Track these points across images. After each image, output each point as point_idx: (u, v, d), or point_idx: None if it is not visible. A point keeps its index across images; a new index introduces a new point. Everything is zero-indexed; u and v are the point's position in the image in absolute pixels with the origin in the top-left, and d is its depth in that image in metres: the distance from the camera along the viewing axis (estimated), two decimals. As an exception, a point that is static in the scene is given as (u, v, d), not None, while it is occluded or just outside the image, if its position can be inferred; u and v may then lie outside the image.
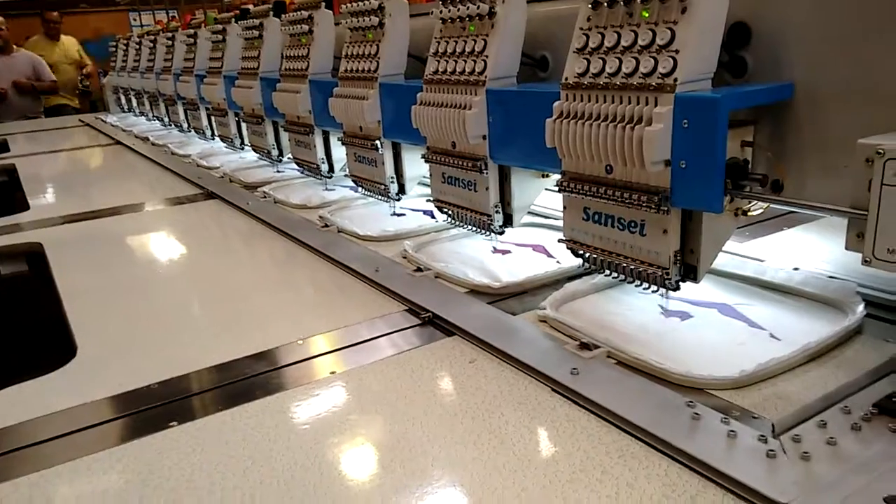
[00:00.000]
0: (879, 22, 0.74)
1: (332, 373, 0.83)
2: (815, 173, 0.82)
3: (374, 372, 0.83)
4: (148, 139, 2.98)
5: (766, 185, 0.83)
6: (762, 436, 0.61)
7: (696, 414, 0.65)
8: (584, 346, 0.81)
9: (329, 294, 1.13)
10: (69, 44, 5.48)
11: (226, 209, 1.73)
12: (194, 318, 1.10)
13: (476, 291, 1.03)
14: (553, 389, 0.74)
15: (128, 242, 1.58)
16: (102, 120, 4.07)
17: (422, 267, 1.12)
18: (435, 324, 0.93)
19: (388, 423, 0.72)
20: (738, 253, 1.07)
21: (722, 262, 1.01)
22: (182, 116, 3.04)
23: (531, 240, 1.24)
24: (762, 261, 1.02)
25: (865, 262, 0.66)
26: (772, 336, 0.81)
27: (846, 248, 0.70)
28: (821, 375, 0.73)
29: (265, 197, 1.73)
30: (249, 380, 0.83)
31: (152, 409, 0.78)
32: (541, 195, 1.20)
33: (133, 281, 1.27)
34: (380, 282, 1.07)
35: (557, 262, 1.12)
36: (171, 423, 0.74)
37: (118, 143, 3.13)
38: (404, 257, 1.20)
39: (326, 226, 1.42)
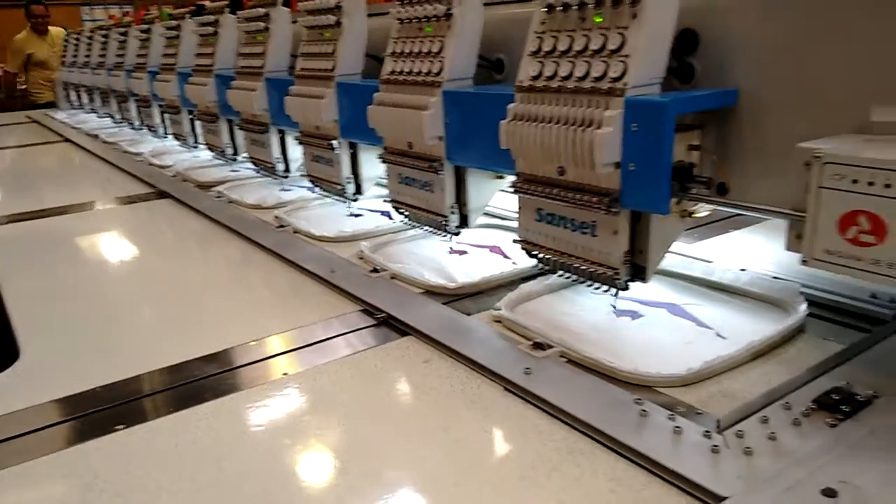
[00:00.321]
0: (818, 31, 0.76)
1: (285, 374, 0.83)
2: (758, 176, 0.84)
3: (327, 373, 0.82)
4: (98, 137, 2.90)
5: (712, 188, 0.86)
6: (707, 432, 0.62)
7: (644, 411, 0.66)
8: (538, 346, 0.82)
9: (283, 295, 1.12)
10: (58, 37, 5.01)
11: (178, 209, 1.69)
12: (143, 320, 1.08)
13: (432, 292, 1.03)
14: (506, 389, 0.75)
15: (76, 242, 1.54)
16: (51, 116, 3.95)
17: (378, 268, 1.11)
18: (390, 324, 0.93)
19: (342, 424, 0.72)
20: (687, 254, 1.10)
21: (671, 263, 1.03)
22: (134, 113, 2.97)
23: (488, 241, 1.25)
24: (710, 262, 1.05)
25: (804, 262, 0.69)
26: (718, 335, 0.83)
27: (787, 249, 0.72)
28: (764, 373, 0.75)
29: (219, 196, 1.70)
30: (200, 382, 0.82)
31: (98, 413, 0.76)
32: (498, 197, 1.21)
33: (80, 282, 1.24)
34: (335, 282, 1.07)
35: (513, 262, 1.13)
36: (118, 427, 0.72)
37: (67, 140, 3.04)
38: (361, 258, 1.19)
39: (282, 226, 1.40)
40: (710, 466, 0.58)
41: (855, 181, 0.64)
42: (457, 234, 1.22)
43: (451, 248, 1.23)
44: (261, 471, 0.64)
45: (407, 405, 0.75)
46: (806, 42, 0.78)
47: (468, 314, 0.95)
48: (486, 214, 1.33)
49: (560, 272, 0.98)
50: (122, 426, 0.72)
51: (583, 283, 0.97)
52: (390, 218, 1.42)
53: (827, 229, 0.66)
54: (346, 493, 0.61)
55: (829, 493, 0.53)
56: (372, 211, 1.51)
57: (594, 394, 0.71)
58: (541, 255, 1.00)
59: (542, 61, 0.92)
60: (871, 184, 0.63)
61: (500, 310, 0.92)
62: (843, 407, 0.64)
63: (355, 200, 1.52)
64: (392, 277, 1.09)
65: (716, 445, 0.60)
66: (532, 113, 0.91)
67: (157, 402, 0.79)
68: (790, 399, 0.66)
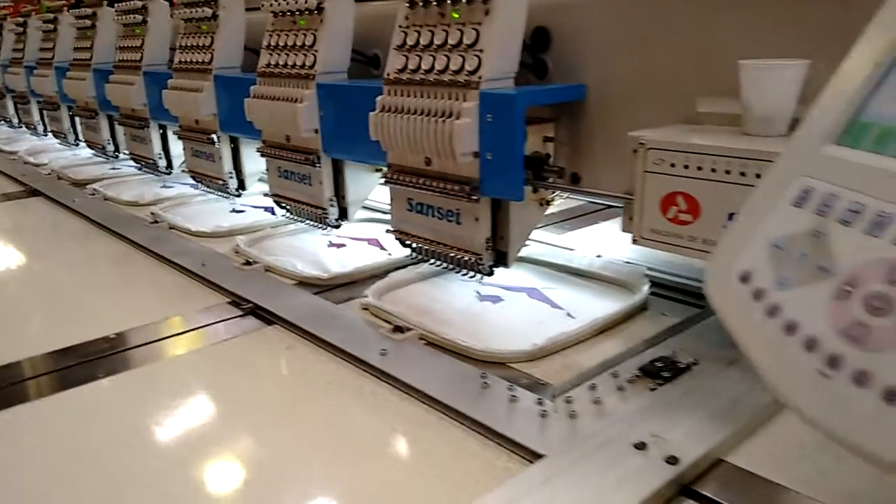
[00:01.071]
0: (654, 29, 0.83)
1: (147, 364, 0.81)
2: (607, 166, 0.90)
3: (188, 363, 0.82)
4: (-30, 135, 2.71)
5: (564, 177, 0.91)
6: (540, 399, 0.66)
7: (486, 384, 0.70)
8: (398, 330, 0.84)
9: (151, 289, 1.09)
10: None
11: (49, 207, 1.61)
12: (4, 316, 1.03)
13: (305, 283, 1.04)
14: (363, 370, 0.77)
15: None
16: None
17: (251, 260, 1.11)
18: (256, 314, 0.93)
19: (200, 410, 0.72)
20: (553, 243, 1.15)
21: (537, 251, 1.09)
22: (12, 111, 2.80)
23: (367, 234, 1.27)
24: (572, 249, 1.11)
25: (634, 241, 0.75)
26: (568, 315, 0.88)
27: (622, 231, 0.78)
28: (605, 347, 0.81)
29: (94, 194, 1.63)
30: (60, 372, 0.79)
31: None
32: (380, 191, 1.23)
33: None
34: (205, 276, 1.05)
35: (389, 254, 1.15)
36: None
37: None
38: (236, 252, 1.18)
39: (156, 222, 1.37)
40: (537, 429, 0.61)
41: (673, 165, 0.70)
42: (337, 226, 1.23)
43: (330, 241, 1.24)
44: (119, 461, 0.63)
45: (264, 390, 0.75)
46: (642, 38, 0.84)
47: (338, 303, 0.96)
48: (368, 209, 1.35)
49: (430, 260, 1.01)
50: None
51: (452, 270, 1.00)
52: (273, 213, 1.41)
53: (651, 210, 0.72)
54: (192, 460, 0.61)
55: (640, 446, 0.58)
56: (255, 207, 1.49)
57: (443, 371, 0.74)
58: (413, 245, 1.03)
59: (406, 55, 0.95)
60: (686, 167, 0.69)
61: (367, 297, 0.94)
62: (665, 373, 0.69)
63: (238, 196, 1.50)
64: (266, 270, 1.09)
65: (545, 411, 0.64)
66: (398, 105, 0.94)
67: (15, 391, 0.76)
68: (619, 368, 0.71)
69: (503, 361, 0.78)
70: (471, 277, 0.98)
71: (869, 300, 0.32)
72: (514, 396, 0.67)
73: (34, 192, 1.73)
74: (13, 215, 1.61)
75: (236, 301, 0.97)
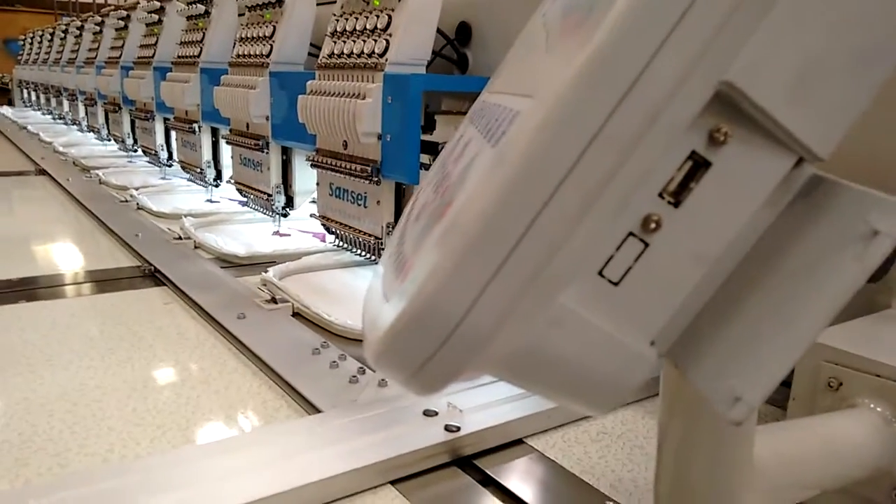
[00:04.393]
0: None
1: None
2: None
3: (75, 308, 0.84)
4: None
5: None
6: (362, 368, 0.64)
7: (318, 350, 0.68)
8: (272, 301, 0.83)
9: (75, 242, 1.13)
10: None
11: (87, 220, 1.70)
12: None
13: (225, 261, 1.05)
14: (217, 332, 0.76)
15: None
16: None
17: (181, 236, 1.13)
18: (155, 277, 0.94)
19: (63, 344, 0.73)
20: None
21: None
22: (83, 114, 2.64)
23: (316, 229, 1.27)
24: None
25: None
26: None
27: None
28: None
29: (126, 201, 1.46)
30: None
31: None
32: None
33: None
34: (134, 247, 1.08)
35: (325, 243, 1.15)
36: None
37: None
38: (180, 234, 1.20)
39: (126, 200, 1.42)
40: (332, 390, 0.59)
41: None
42: (284, 214, 1.24)
43: (276, 230, 1.25)
44: None
45: (120, 334, 0.76)
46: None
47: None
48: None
49: (348, 247, 1.01)
50: None
51: (369, 260, 0.99)
52: (244, 205, 1.43)
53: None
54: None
55: (430, 413, 0.55)
56: (231, 199, 1.52)
57: (287, 340, 0.72)
58: (334, 230, 1.03)
59: (335, 41, 0.96)
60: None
61: (267, 273, 0.93)
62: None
63: (216, 186, 1.54)
64: (195, 247, 1.10)
65: (355, 377, 0.61)
66: (323, 88, 0.95)
67: None
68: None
69: (359, 338, 0.75)
70: (377, 263, 0.96)
71: (439, 181, 0.30)
72: (335, 363, 0.65)
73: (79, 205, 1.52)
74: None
75: (143, 266, 1.00)
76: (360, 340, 0.74)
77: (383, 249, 0.91)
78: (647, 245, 0.22)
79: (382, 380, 0.61)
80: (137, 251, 1.06)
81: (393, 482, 0.49)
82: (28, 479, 0.47)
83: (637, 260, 0.22)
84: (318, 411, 0.56)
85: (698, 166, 0.22)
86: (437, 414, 0.55)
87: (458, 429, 0.52)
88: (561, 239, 0.20)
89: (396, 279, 0.26)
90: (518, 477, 0.50)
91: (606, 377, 0.23)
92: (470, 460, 0.52)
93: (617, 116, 0.19)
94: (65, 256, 1.12)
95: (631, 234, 0.22)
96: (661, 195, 0.22)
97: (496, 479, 0.49)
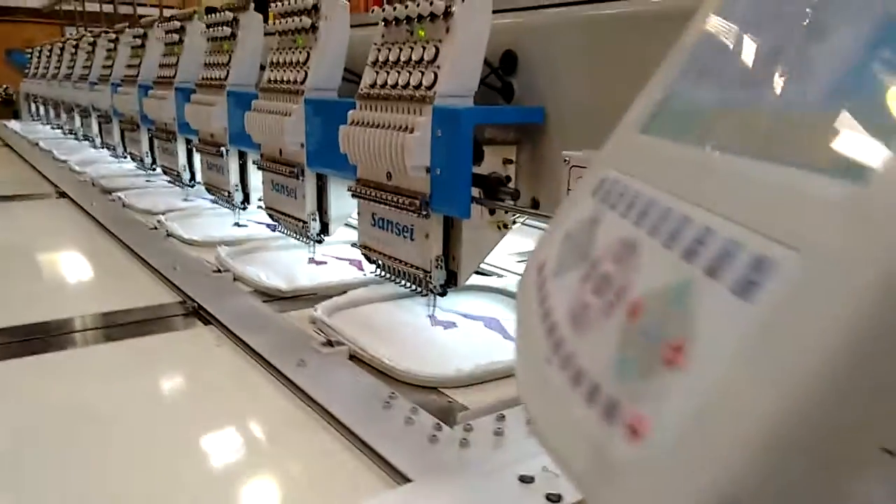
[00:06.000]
0: (615, 56, 0.79)
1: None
2: (564, 191, 0.86)
3: (121, 348, 0.83)
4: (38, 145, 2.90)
5: (517, 199, 0.87)
6: (438, 424, 0.62)
7: (388, 403, 0.66)
8: (328, 344, 0.81)
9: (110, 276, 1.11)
10: None
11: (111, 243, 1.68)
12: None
13: (267, 294, 1.03)
14: (277, 379, 0.74)
15: None
16: (5, 125, 3.96)
17: (221, 268, 1.11)
18: (199, 314, 0.93)
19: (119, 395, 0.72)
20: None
21: (511, 282, 1.04)
22: (96, 129, 2.60)
23: (352, 255, 1.25)
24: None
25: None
26: (514, 344, 0.83)
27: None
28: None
29: (155, 228, 1.43)
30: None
31: None
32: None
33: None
34: (170, 278, 1.06)
35: (364, 274, 1.14)
36: None
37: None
38: (216, 260, 1.19)
39: (155, 227, 1.40)
40: (415, 453, 0.57)
41: (598, 184, 0.65)
42: (319, 241, 1.23)
43: (311, 258, 1.23)
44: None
45: (179, 380, 0.75)
46: (603, 66, 0.80)
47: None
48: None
49: (393, 279, 0.99)
50: None
51: (415, 292, 0.97)
52: (274, 230, 1.42)
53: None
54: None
55: (527, 479, 0.53)
56: (258, 223, 1.51)
57: (354, 388, 0.70)
58: (378, 261, 1.01)
59: (377, 71, 0.95)
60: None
61: (316, 311, 0.92)
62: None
63: (244, 209, 1.52)
64: (234, 280, 1.09)
65: (435, 435, 0.60)
66: (366, 119, 0.94)
67: None
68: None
69: (426, 384, 0.74)
70: (423, 296, 0.95)
71: (597, 280, 0.27)
72: (410, 419, 0.63)
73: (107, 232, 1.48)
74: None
75: (182, 301, 0.98)
76: (423, 386, 0.73)
77: (430, 283, 0.89)
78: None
79: (463, 439, 0.59)
80: (177, 285, 1.04)
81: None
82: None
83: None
84: (405, 477, 0.54)
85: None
86: (533, 480, 0.53)
87: (560, 498, 0.50)
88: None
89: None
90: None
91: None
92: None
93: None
94: (106, 294, 1.08)
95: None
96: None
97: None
